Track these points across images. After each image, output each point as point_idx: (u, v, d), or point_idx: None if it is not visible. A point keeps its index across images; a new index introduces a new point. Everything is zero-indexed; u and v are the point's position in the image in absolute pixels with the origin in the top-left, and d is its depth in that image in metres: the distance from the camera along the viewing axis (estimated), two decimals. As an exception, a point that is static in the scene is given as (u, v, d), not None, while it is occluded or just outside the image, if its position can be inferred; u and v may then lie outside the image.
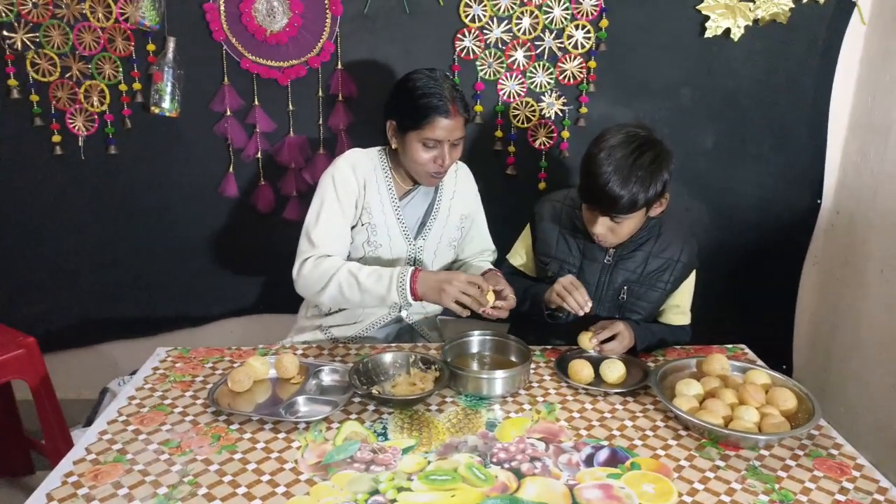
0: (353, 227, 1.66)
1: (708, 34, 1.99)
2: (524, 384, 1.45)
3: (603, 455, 1.22)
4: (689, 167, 2.11)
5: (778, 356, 2.32)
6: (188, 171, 2.10)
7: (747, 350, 1.68)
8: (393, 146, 1.61)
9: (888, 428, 1.90)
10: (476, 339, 1.58)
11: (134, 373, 2.12)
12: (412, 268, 1.49)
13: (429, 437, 1.27)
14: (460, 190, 1.76)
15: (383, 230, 1.65)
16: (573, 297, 1.50)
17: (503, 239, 1.85)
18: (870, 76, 2.03)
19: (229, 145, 2.08)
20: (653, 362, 1.59)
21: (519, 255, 1.80)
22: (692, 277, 1.67)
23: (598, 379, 1.48)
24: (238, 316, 2.27)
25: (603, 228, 1.50)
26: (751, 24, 1.98)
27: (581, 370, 1.46)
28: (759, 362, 1.60)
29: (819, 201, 2.17)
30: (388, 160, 1.68)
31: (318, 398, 1.37)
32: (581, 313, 1.50)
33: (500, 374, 1.40)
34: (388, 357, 1.49)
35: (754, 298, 2.25)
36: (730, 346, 1.70)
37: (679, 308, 1.69)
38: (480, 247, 1.84)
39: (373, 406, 1.36)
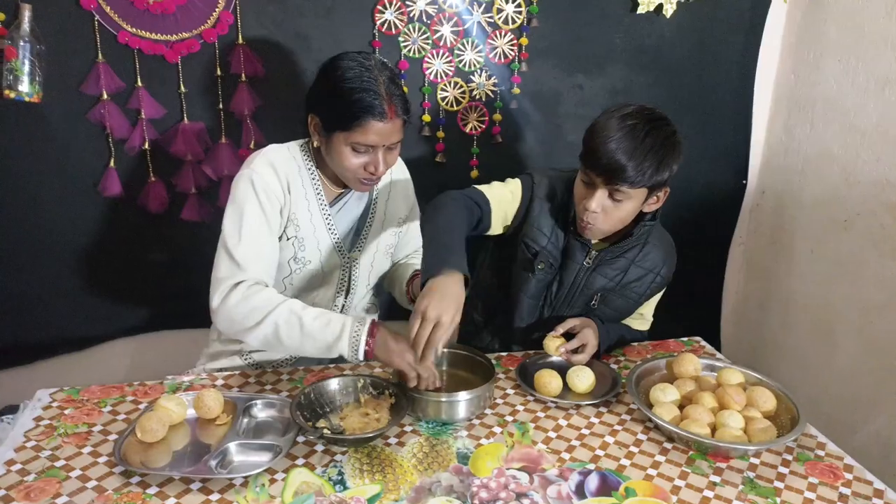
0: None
1: (640, 10, 1.90)
2: (489, 403, 1.30)
3: (593, 482, 1.10)
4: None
5: (705, 337, 2.32)
6: (58, 168, 1.73)
7: (703, 342, 1.63)
8: (315, 145, 1.36)
9: (823, 403, 1.94)
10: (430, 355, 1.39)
11: (5, 411, 1.79)
12: (370, 320, 1.25)
13: (395, 479, 1.09)
14: (398, 189, 1.54)
15: (312, 244, 1.41)
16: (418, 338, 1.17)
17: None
18: (792, 54, 2.04)
19: (108, 135, 1.73)
20: (615, 363, 1.50)
21: (497, 196, 1.46)
22: (663, 291, 1.58)
23: (566, 388, 1.35)
24: (130, 335, 1.94)
25: (597, 204, 1.32)
26: (682, 0, 1.91)
27: (549, 382, 1.32)
28: (719, 355, 1.55)
29: (745, 181, 2.18)
30: (312, 158, 1.42)
31: (252, 442, 1.15)
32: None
33: (463, 396, 1.23)
34: (332, 384, 1.27)
35: (681, 279, 2.22)
36: (685, 339, 1.64)
37: (643, 317, 1.61)
38: (413, 246, 1.64)
39: (321, 445, 1.16)
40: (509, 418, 1.27)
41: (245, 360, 1.48)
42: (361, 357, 1.23)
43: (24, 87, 1.61)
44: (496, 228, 1.49)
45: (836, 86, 1.88)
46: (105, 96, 1.70)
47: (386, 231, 1.52)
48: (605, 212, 1.34)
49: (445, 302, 1.15)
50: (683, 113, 2.05)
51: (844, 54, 1.85)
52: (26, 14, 1.58)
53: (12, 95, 1.60)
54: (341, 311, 1.50)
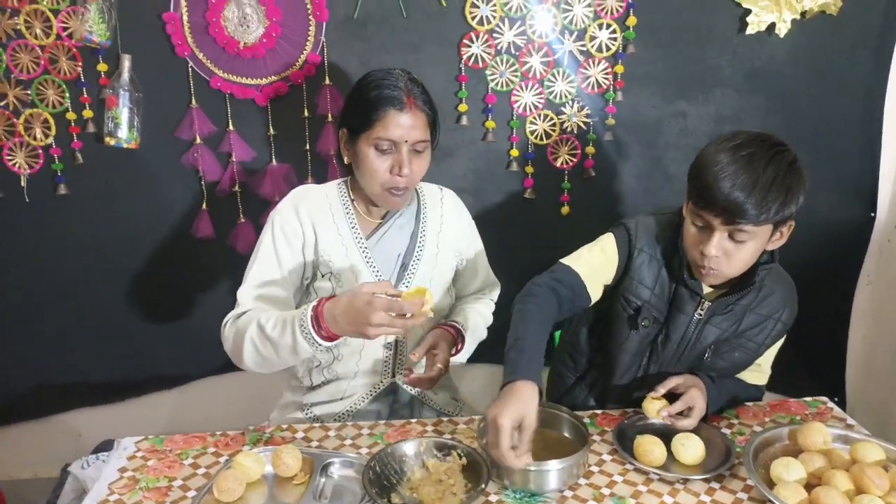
0: (311, 281, 1.37)
1: (750, 30, 1.74)
2: (583, 472, 1.18)
3: (705, 576, 0.96)
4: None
5: (829, 387, 2.09)
6: (154, 211, 1.79)
7: (831, 404, 1.43)
8: (346, 161, 1.34)
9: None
10: (516, 410, 1.29)
11: (98, 450, 1.84)
12: (311, 306, 1.15)
13: (478, 559, 0.99)
14: (450, 220, 1.46)
15: (350, 279, 1.35)
16: (501, 451, 1.07)
17: (522, 273, 1.57)
18: (930, 72, 1.80)
19: (201, 178, 1.77)
20: (727, 427, 1.33)
21: (587, 265, 1.35)
22: (784, 338, 1.39)
23: (671, 457, 1.21)
24: (220, 374, 1.97)
25: (717, 248, 1.16)
26: (798, 17, 1.74)
27: (651, 450, 1.18)
28: (851, 421, 1.35)
29: (873, 214, 1.94)
30: (348, 192, 1.39)
31: (330, 506, 1.09)
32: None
33: (554, 465, 1.12)
34: (395, 451, 1.18)
35: (799, 325, 2.00)
36: (809, 399, 1.44)
37: (760, 367, 1.42)
38: (481, 284, 1.57)
39: (400, 515, 1.08)
40: (606, 491, 1.14)
41: (306, 413, 1.44)
42: (327, 344, 1.16)
43: (123, 133, 1.67)
44: (596, 298, 1.36)
45: None
46: (198, 140, 1.73)
47: (440, 265, 1.43)
48: (726, 255, 1.18)
49: (512, 408, 1.09)
50: (800, 140, 1.81)
51: None
52: (126, 64, 1.64)
53: (112, 142, 1.67)
54: (395, 351, 1.41)
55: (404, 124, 1.25)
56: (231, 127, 1.75)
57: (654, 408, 1.25)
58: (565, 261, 1.36)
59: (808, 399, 1.43)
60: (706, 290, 1.32)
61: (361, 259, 1.36)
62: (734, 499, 1.11)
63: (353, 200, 1.39)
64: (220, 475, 1.11)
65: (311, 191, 1.39)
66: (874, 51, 1.80)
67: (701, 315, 1.31)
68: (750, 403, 1.42)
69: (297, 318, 1.16)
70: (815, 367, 2.04)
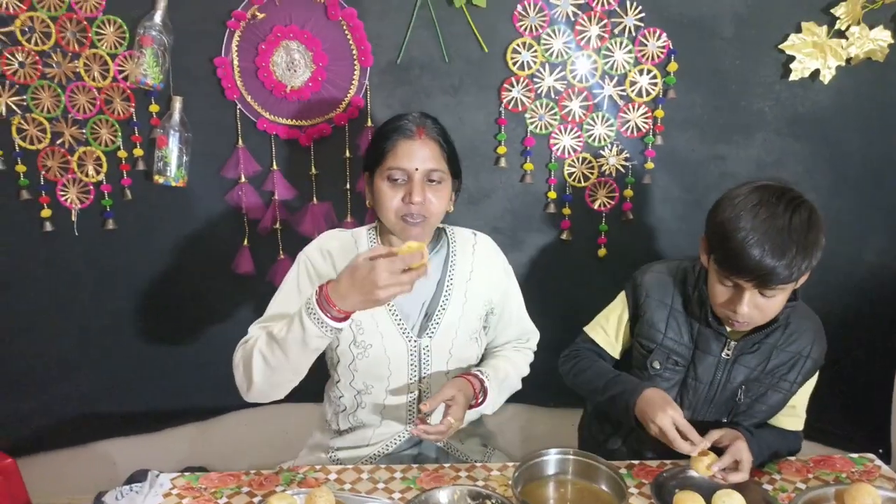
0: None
1: (794, 77, 1.73)
2: (621, 526, 1.15)
3: None
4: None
5: (873, 437, 2.01)
6: (197, 247, 1.84)
7: (879, 462, 1.37)
8: (368, 204, 1.38)
9: None
10: (552, 459, 1.27)
11: (131, 480, 1.86)
12: (316, 289, 1.14)
13: None
14: (481, 268, 1.43)
15: (371, 326, 1.34)
16: (679, 443, 1.20)
17: (557, 315, 1.57)
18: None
19: (244, 216, 1.81)
20: (769, 484, 1.29)
21: (602, 331, 1.46)
22: (816, 376, 1.37)
23: (711, 514, 1.17)
24: (254, 407, 1.98)
25: (750, 307, 1.19)
26: (843, 63, 1.72)
27: (691, 505, 1.15)
28: (900, 479, 1.29)
29: (920, 261, 1.88)
30: (377, 238, 1.40)
31: (362, 556, 1.08)
32: (694, 453, 1.20)
33: (592, 520, 1.10)
34: (430, 498, 1.17)
35: (845, 374, 1.94)
36: (855, 455, 1.39)
37: (794, 410, 1.39)
38: (517, 333, 1.53)
39: (433, 567, 1.07)
40: (644, 547, 1.11)
41: (330, 456, 1.43)
42: (335, 324, 1.12)
43: (172, 172, 1.72)
44: (619, 353, 1.48)
45: None
46: (243, 179, 1.78)
47: (466, 315, 1.40)
48: (757, 308, 1.21)
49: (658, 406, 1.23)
50: (846, 185, 1.82)
51: None
52: (177, 105, 1.71)
53: (161, 181, 1.72)
54: (419, 399, 1.39)
55: (415, 153, 1.28)
56: (275, 166, 1.79)
57: (704, 464, 1.21)
58: (586, 329, 1.49)
59: (855, 456, 1.38)
60: (729, 329, 1.32)
61: (384, 307, 1.35)
62: (780, 563, 1.07)
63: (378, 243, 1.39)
64: (255, 517, 1.11)
65: (340, 234, 1.41)
66: (923, 99, 1.77)
67: (728, 355, 1.32)
68: (793, 458, 1.38)
69: (304, 305, 1.14)
70: (858, 415, 1.97)
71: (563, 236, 1.86)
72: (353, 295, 1.10)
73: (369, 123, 1.77)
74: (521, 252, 1.89)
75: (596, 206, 1.85)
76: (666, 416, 1.21)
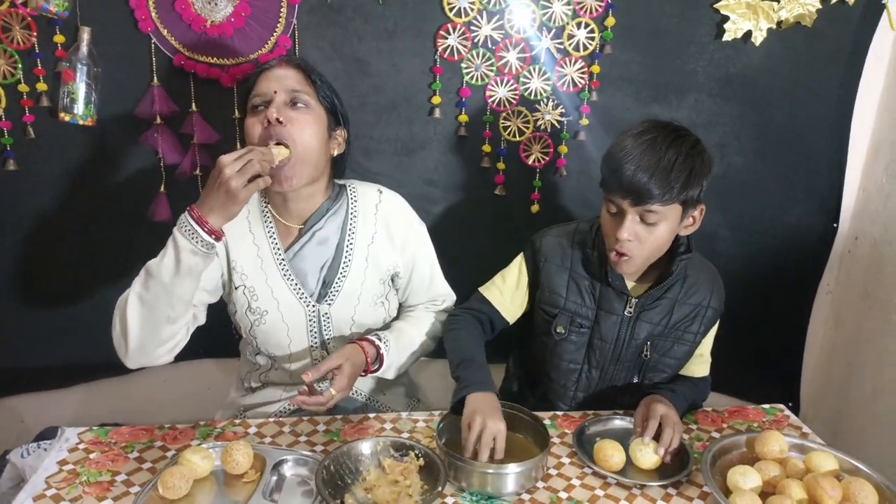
0: (230, 292, 1.33)
1: (727, 37, 1.74)
2: (542, 475, 1.16)
3: (658, 586, 0.95)
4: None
5: (785, 394, 2.12)
6: (109, 192, 1.71)
7: (787, 412, 1.44)
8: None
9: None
10: (476, 412, 1.27)
11: (41, 437, 1.77)
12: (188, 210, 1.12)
13: (431, 564, 0.97)
14: (385, 230, 1.37)
15: (265, 293, 1.31)
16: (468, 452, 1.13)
17: (488, 269, 1.54)
18: (898, 88, 1.83)
19: (160, 160, 1.70)
20: (685, 433, 1.33)
21: (498, 291, 1.44)
22: (717, 323, 1.42)
23: (629, 462, 1.20)
24: (174, 363, 1.89)
25: (629, 232, 1.21)
26: (774, 26, 1.74)
27: (611, 455, 1.18)
28: (806, 429, 1.36)
29: (835, 225, 1.96)
30: (272, 200, 1.33)
31: (279, 506, 1.05)
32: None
33: (513, 469, 1.11)
34: (350, 450, 1.15)
35: (761, 330, 2.03)
36: (767, 406, 1.46)
37: (702, 357, 1.44)
38: (430, 296, 1.48)
39: (353, 517, 1.05)
40: (563, 494, 1.13)
41: (241, 417, 1.41)
42: (206, 237, 1.10)
43: (80, 110, 1.59)
44: (515, 317, 1.46)
45: (950, 124, 1.67)
46: (159, 120, 1.66)
47: (369, 280, 1.36)
48: (638, 239, 1.23)
49: (485, 412, 1.15)
50: (771, 148, 1.86)
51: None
52: (85, 37, 1.57)
53: (67, 118, 1.59)
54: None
55: (273, 77, 1.25)
56: (194, 107, 1.68)
57: (649, 456, 1.18)
58: (481, 289, 1.46)
59: (766, 406, 1.45)
60: (630, 286, 1.35)
61: (277, 271, 1.31)
62: (690, 506, 1.11)
63: (273, 209, 1.32)
64: (166, 471, 1.07)
65: None
66: (845, 65, 1.81)
67: (630, 312, 1.34)
68: (708, 409, 1.43)
69: (176, 226, 1.12)
70: (772, 373, 2.07)
71: (497, 191, 1.84)
72: (212, 199, 1.08)
73: (298, 66, 1.68)
74: (454, 206, 1.86)
75: (530, 162, 1.83)
76: (472, 427, 1.13)
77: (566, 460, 1.22)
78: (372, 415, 1.34)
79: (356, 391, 1.42)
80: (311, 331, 1.34)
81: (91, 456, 1.17)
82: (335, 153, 1.33)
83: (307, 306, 1.32)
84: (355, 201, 1.36)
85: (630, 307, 1.33)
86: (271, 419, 1.31)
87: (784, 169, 1.89)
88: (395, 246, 1.39)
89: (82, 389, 1.90)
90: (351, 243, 1.34)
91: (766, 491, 1.12)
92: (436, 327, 1.47)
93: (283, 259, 1.31)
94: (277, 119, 1.20)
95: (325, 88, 1.31)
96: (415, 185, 1.83)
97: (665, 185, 1.16)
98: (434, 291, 1.48)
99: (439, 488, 1.07)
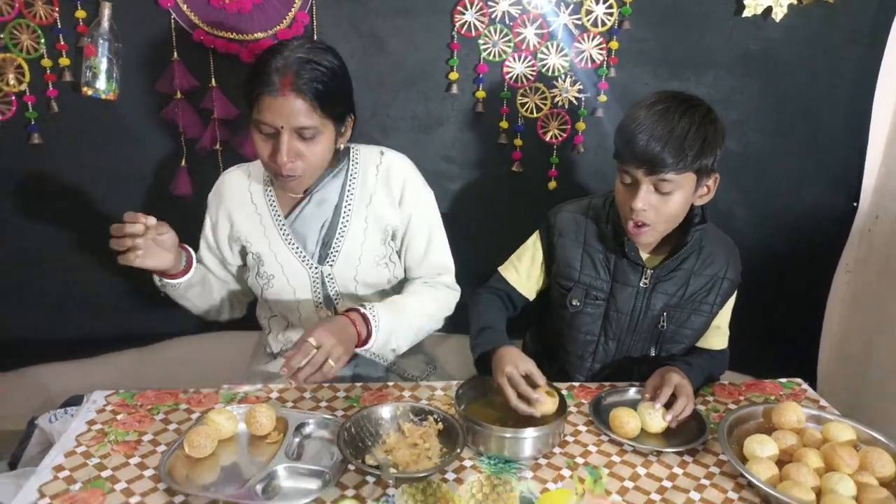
0: (244, 264, 1.42)
1: (746, 13, 1.72)
2: (559, 441, 1.17)
3: (675, 547, 0.96)
4: (721, 163, 1.84)
5: (802, 372, 2.11)
6: (131, 166, 1.74)
7: (805, 386, 1.44)
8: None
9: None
10: (494, 379, 1.29)
11: (67, 404, 1.80)
12: None
13: (449, 522, 0.99)
14: (383, 190, 1.36)
15: (270, 258, 1.35)
16: (514, 401, 1.16)
17: (505, 246, 1.56)
18: (921, 65, 1.80)
19: (181, 134, 1.72)
20: (702, 405, 1.34)
21: (514, 270, 1.46)
22: (735, 294, 1.42)
23: (645, 431, 1.21)
24: (195, 334, 1.93)
25: (644, 202, 1.21)
26: (795, 2, 1.72)
27: (626, 422, 1.19)
28: (824, 402, 1.36)
29: (855, 204, 1.95)
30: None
31: (302, 467, 1.07)
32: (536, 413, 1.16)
33: (530, 433, 1.12)
34: (371, 414, 1.17)
35: (779, 310, 2.02)
36: (784, 380, 1.46)
37: (720, 329, 1.44)
38: (430, 264, 1.42)
39: (373, 476, 1.07)
40: (580, 460, 1.14)
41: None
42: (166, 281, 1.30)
43: (102, 84, 1.61)
44: (534, 293, 1.48)
45: (972, 101, 1.65)
46: (179, 95, 1.68)
47: (369, 240, 1.36)
48: (654, 209, 1.23)
49: (511, 360, 1.19)
50: (791, 126, 1.85)
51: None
52: (106, 12, 1.59)
53: (90, 92, 1.61)
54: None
55: (279, 111, 1.17)
56: (213, 83, 1.70)
57: (657, 423, 1.19)
58: (500, 269, 1.49)
59: (784, 380, 1.45)
60: (645, 257, 1.36)
61: (279, 236, 1.34)
62: (707, 472, 1.12)
63: (273, 178, 1.33)
64: (192, 431, 1.09)
65: (233, 173, 1.39)
66: (867, 42, 1.79)
67: (646, 284, 1.35)
68: (726, 382, 1.43)
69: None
70: (788, 350, 2.06)
71: (514, 168, 1.85)
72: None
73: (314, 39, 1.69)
74: (471, 182, 1.86)
75: (548, 138, 1.83)
76: (502, 374, 1.17)
77: (583, 428, 1.23)
78: (391, 383, 1.36)
79: (378, 356, 1.44)
80: (315, 292, 1.38)
81: (118, 417, 1.19)
82: (342, 146, 1.32)
83: (310, 268, 1.35)
84: (356, 163, 1.37)
85: (646, 278, 1.34)
86: (292, 384, 1.33)
87: (803, 147, 1.87)
88: (394, 202, 1.37)
89: (106, 359, 1.94)
90: (349, 204, 1.35)
91: (783, 459, 1.12)
92: (435, 300, 1.41)
93: (283, 224, 1.34)
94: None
95: (337, 98, 1.24)
96: (432, 161, 1.84)
97: (679, 153, 1.17)
98: (432, 260, 1.42)
99: (458, 450, 1.08)
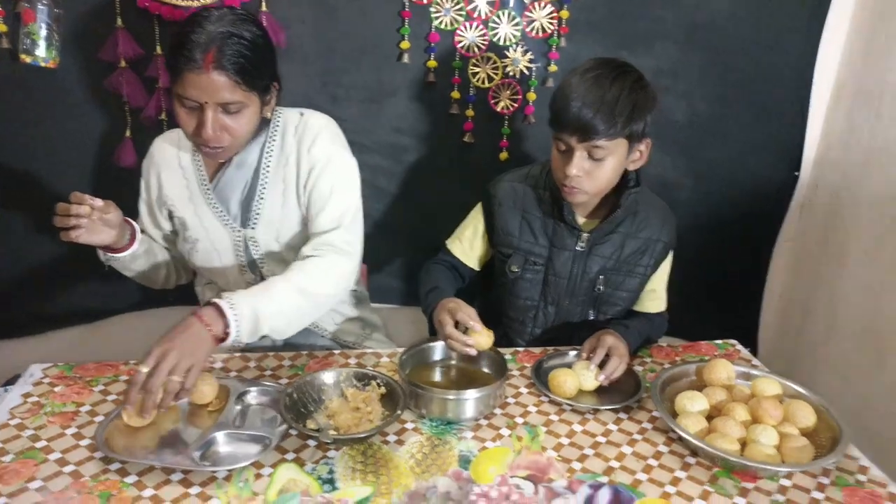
0: (175, 230, 1.41)
1: (694, -17, 1.75)
2: (500, 402, 1.20)
3: (604, 497, 1.00)
4: (667, 134, 1.88)
5: (743, 340, 2.18)
6: (73, 137, 1.70)
7: (739, 346, 1.50)
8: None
9: (869, 420, 1.78)
10: (439, 345, 1.31)
11: (9, 383, 1.78)
12: None
13: (388, 481, 1.01)
14: (299, 150, 1.32)
15: (195, 222, 1.35)
16: (455, 336, 1.20)
17: (458, 218, 1.57)
18: (861, 37, 1.85)
19: (125, 103, 1.69)
20: (640, 365, 1.38)
21: (459, 242, 1.51)
22: (670, 258, 1.47)
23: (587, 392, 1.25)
24: (144, 309, 1.92)
25: (577, 168, 1.24)
26: (740, -28, 1.75)
27: (564, 382, 1.22)
28: (755, 361, 1.42)
29: (797, 174, 2.00)
30: None
31: (243, 433, 1.08)
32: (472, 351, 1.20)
33: (471, 395, 1.15)
34: (314, 380, 1.19)
35: (723, 276, 2.08)
36: (719, 341, 1.51)
37: (656, 293, 1.49)
38: (323, 225, 1.31)
39: (313, 440, 1.09)
40: (520, 420, 1.17)
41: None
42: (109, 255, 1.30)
43: (41, 51, 1.57)
44: (479, 263, 1.52)
45: (908, 73, 1.70)
46: (123, 63, 1.65)
47: (289, 202, 1.34)
48: (587, 174, 1.27)
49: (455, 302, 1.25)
50: (736, 98, 1.89)
51: (920, 38, 1.66)
52: (44, -25, 1.54)
53: (28, 60, 1.57)
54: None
55: (203, 86, 1.14)
56: (159, 51, 1.66)
57: (590, 382, 1.24)
58: (446, 242, 1.53)
59: (719, 341, 1.50)
60: (582, 221, 1.39)
61: (203, 200, 1.34)
62: (640, 428, 1.16)
63: None
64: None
65: (165, 138, 1.39)
66: (809, 14, 1.83)
67: (582, 247, 1.38)
68: (663, 344, 1.48)
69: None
70: (731, 318, 2.12)
71: (466, 138, 1.86)
72: None
73: (264, 8, 1.66)
74: (423, 153, 1.87)
75: (499, 109, 1.84)
76: (443, 310, 1.23)
77: (524, 390, 1.26)
78: (337, 350, 1.37)
79: (317, 326, 1.48)
80: (238, 256, 1.37)
81: (56, 389, 1.19)
82: (269, 114, 1.30)
83: (232, 231, 1.35)
84: (277, 126, 1.34)
85: (582, 242, 1.38)
86: (236, 354, 1.33)
87: (748, 117, 1.91)
88: (308, 162, 1.32)
89: (49, 337, 1.91)
90: (268, 166, 1.33)
91: (713, 414, 1.17)
92: (316, 270, 1.26)
93: (208, 188, 1.34)
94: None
95: (261, 69, 1.20)
96: (384, 132, 1.84)
97: (609, 119, 1.20)
98: (326, 217, 1.31)
99: (398, 412, 1.10)
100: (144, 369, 0.99)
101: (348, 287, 1.35)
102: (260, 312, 1.13)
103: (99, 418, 1.11)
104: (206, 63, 1.12)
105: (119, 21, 1.62)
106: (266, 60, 1.22)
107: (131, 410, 1.02)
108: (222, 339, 1.08)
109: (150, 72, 1.67)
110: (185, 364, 1.01)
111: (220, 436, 1.06)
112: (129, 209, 1.75)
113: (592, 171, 1.26)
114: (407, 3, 1.72)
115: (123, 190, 1.76)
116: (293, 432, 1.09)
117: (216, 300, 1.11)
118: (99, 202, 1.17)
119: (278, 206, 1.34)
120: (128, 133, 1.71)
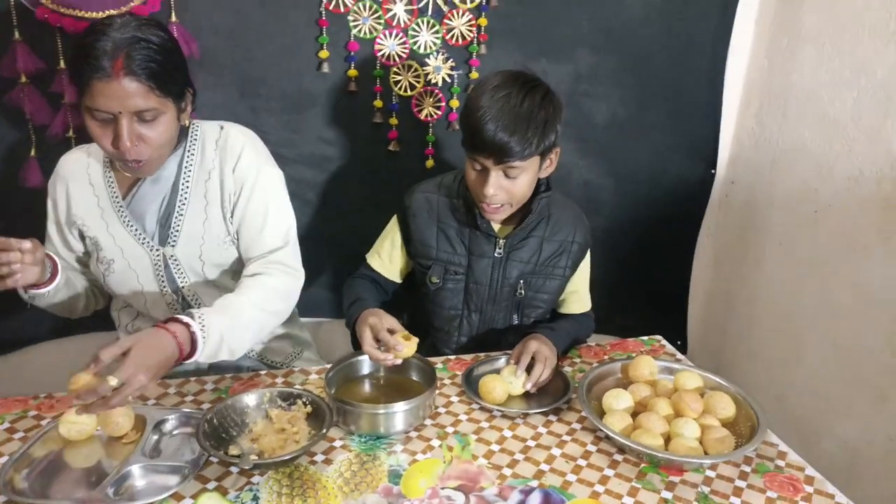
0: (87, 251, 1.35)
1: (607, -10, 1.79)
2: (430, 412, 1.19)
3: (535, 501, 1.00)
4: (588, 137, 1.92)
5: (673, 336, 2.25)
6: (-28, 157, 1.61)
7: (664, 342, 1.54)
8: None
9: (789, 406, 1.86)
10: (366, 359, 1.29)
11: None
12: None
13: (315, 503, 0.98)
14: (221, 164, 1.29)
15: (108, 241, 1.29)
16: (373, 353, 1.20)
17: (386, 226, 1.55)
18: (766, 40, 1.94)
19: (28, 121, 1.60)
20: (569, 366, 1.40)
21: (378, 256, 1.50)
22: (588, 258, 1.50)
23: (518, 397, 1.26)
24: (62, 337, 1.82)
25: (495, 187, 1.27)
26: (651, -23, 1.81)
27: (493, 388, 1.23)
28: (679, 356, 1.46)
29: (713, 171, 2.08)
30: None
31: (160, 465, 1.03)
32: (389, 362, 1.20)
33: (400, 407, 1.13)
34: (236, 403, 1.14)
35: (648, 275, 2.14)
36: (645, 338, 1.55)
37: (578, 294, 1.52)
38: (267, 246, 1.30)
39: (236, 467, 1.05)
40: (450, 430, 1.17)
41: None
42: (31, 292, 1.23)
43: (-70, 67, 1.47)
44: (400, 276, 1.52)
45: (811, 74, 1.79)
46: (24, 79, 1.56)
47: (211, 218, 1.30)
48: (505, 191, 1.29)
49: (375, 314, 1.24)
50: (652, 100, 1.95)
51: (820, 41, 1.75)
52: (-71, -14, 1.44)
53: (-85, 76, 1.46)
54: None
55: (114, 95, 1.08)
56: (62, 65, 1.58)
57: (518, 387, 1.25)
58: (366, 256, 1.52)
59: (645, 338, 1.54)
60: (497, 228, 1.41)
61: (117, 218, 1.28)
62: (569, 429, 1.18)
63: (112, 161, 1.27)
64: (42, 438, 1.03)
65: (72, 154, 1.33)
66: (718, 16, 1.90)
67: (500, 254, 1.40)
68: (592, 344, 1.50)
69: None
70: (660, 315, 2.19)
71: (391, 147, 1.84)
72: None
73: (174, 19, 1.61)
74: (349, 162, 1.85)
75: (423, 116, 1.84)
76: (364, 324, 1.23)
77: (455, 399, 1.26)
78: (263, 371, 1.33)
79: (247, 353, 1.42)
80: (158, 276, 1.31)
81: (-43, 428, 1.11)
82: (186, 122, 1.26)
83: (150, 250, 1.29)
84: (195, 139, 1.30)
85: (499, 248, 1.39)
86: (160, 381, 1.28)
87: (665, 118, 1.98)
88: (231, 177, 1.29)
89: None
90: (187, 180, 1.28)
91: (638, 411, 1.19)
92: (274, 291, 1.26)
93: (121, 205, 1.28)
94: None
95: (168, 77, 1.14)
96: (307, 143, 1.80)
97: (524, 141, 1.22)
98: (268, 238, 1.30)
99: (324, 431, 1.08)
100: (113, 383, 0.95)
101: (293, 305, 1.34)
102: (225, 332, 1.12)
103: (2, 459, 1.04)
104: (116, 70, 1.07)
105: (17, 34, 1.54)
106: (178, 64, 1.18)
107: (75, 417, 1.04)
108: (185, 358, 1.07)
109: (55, 87, 1.59)
110: (151, 385, 1.00)
111: (135, 469, 1.01)
112: (40, 234, 1.67)
113: (509, 187, 1.28)
114: (323, 12, 1.69)
115: (31, 211, 1.68)
116: (214, 459, 1.05)
117: (187, 319, 1.08)
118: (27, 244, 1.10)
119: (200, 221, 1.30)
120: (33, 152, 1.62)
